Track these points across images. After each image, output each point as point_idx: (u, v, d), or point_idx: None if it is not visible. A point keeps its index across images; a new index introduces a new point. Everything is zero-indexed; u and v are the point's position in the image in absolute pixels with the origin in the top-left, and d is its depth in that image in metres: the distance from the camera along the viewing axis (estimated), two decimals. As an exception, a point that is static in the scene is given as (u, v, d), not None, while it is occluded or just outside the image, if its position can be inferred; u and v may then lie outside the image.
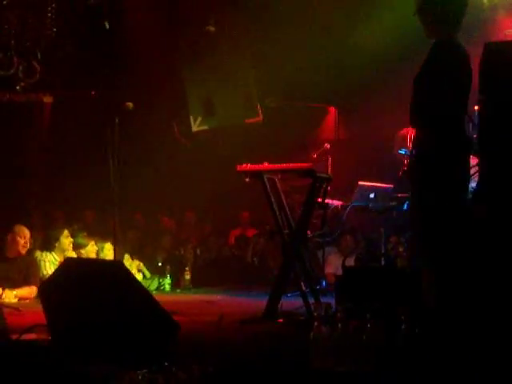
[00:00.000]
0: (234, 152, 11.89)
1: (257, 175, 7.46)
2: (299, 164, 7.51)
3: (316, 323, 5.06)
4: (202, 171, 12.76)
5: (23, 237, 9.54)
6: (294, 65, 11.70)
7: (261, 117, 12.21)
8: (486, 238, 5.20)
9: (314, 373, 4.76)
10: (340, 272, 10.04)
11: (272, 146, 11.55)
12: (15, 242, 9.48)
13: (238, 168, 7.51)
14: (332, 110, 13.47)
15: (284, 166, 7.51)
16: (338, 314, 5.09)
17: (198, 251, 12.09)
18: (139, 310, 5.37)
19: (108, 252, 10.15)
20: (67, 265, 6.13)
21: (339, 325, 5.05)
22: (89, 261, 8.36)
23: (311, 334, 5.03)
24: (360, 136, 12.47)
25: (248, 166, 7.49)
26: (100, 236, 11.03)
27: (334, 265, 10.65)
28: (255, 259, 11.77)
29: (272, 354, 5.49)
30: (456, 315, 5.04)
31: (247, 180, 7.68)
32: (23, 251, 9.56)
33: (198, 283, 11.18)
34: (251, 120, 12.35)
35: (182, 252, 11.90)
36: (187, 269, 11.17)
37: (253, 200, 12.16)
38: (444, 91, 5.20)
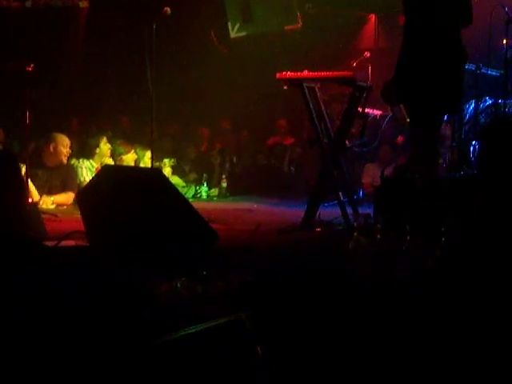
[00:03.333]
0: (271, 59, 11.73)
1: (296, 83, 7.32)
2: (340, 72, 7.39)
3: (355, 233, 5.02)
4: (238, 78, 12.57)
5: (66, 146, 9.45)
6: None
7: (300, 23, 11.95)
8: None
9: (352, 281, 4.74)
10: (378, 182, 10.03)
11: (311, 54, 11.34)
12: (57, 152, 9.35)
13: (278, 76, 7.36)
14: (372, 17, 13.18)
15: (324, 74, 7.36)
16: (378, 225, 5.04)
17: (235, 159, 12.03)
18: (178, 218, 5.36)
19: (148, 160, 10.15)
20: (105, 172, 6.12)
21: (378, 235, 5.01)
22: (127, 168, 8.35)
23: (350, 243, 5.00)
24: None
25: (288, 74, 7.34)
26: (137, 142, 11.04)
27: (371, 175, 10.56)
28: (292, 168, 11.69)
29: (310, 263, 5.47)
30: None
31: (285, 88, 7.56)
32: (65, 160, 9.49)
33: (234, 191, 11.17)
34: (290, 27, 12.10)
35: (214, 160, 11.86)
36: (224, 177, 11.17)
37: (290, 108, 12.07)
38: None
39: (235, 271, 4.80)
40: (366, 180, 10.61)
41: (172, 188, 5.59)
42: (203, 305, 4.42)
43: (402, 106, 6.98)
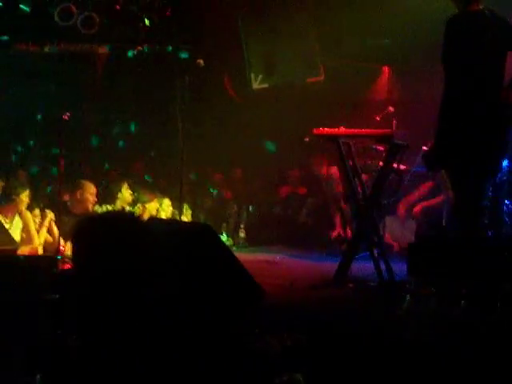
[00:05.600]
0: (288, 110, 11.80)
1: (332, 139, 7.37)
2: (378, 130, 7.44)
3: (408, 297, 5.04)
4: (256, 127, 12.57)
5: (92, 194, 9.35)
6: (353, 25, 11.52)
7: (323, 76, 11.98)
8: None
9: (407, 345, 4.73)
10: (398, 236, 10.07)
11: (332, 106, 11.39)
12: (84, 199, 9.22)
13: (315, 131, 7.41)
14: (386, 69, 13.30)
15: (362, 131, 7.42)
16: (432, 289, 5.06)
17: (251, 208, 12.01)
18: (228, 274, 5.34)
19: (167, 208, 10.12)
20: (152, 223, 6.09)
21: (432, 300, 5.02)
22: (172, 221, 8.27)
23: (403, 308, 5.01)
24: (420, 97, 12.09)
25: (325, 130, 7.39)
26: (156, 190, 11.02)
27: (389, 228, 10.58)
28: (309, 219, 11.67)
29: (358, 323, 5.46)
30: None
31: (307, 140, 7.63)
32: (91, 208, 9.34)
33: (252, 241, 11.14)
34: (313, 79, 12.13)
35: (230, 210, 11.84)
36: (242, 226, 11.14)
37: (300, 159, 12.15)
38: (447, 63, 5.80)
39: (285, 329, 4.79)
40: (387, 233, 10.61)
41: (221, 244, 5.57)
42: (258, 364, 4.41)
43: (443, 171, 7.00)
